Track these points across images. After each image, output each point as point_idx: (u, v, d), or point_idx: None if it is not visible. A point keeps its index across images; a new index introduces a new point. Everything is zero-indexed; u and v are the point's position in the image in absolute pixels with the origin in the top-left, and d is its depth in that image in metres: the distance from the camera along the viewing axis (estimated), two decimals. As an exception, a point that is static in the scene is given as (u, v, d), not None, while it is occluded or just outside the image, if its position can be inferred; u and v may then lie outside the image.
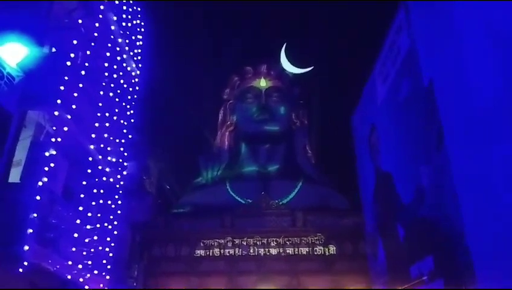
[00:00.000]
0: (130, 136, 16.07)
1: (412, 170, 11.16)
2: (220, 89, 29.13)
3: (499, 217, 7.40)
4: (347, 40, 29.37)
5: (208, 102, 29.78)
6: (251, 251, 20.45)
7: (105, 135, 13.99)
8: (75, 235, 12.16)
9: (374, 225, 15.23)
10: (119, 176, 15.21)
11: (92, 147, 13.08)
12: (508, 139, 7.50)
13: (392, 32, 12.43)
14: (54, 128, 11.37)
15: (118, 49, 15.18)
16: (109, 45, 14.53)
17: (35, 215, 10.31)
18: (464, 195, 8.33)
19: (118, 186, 15.13)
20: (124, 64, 15.92)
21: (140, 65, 17.09)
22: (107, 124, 14.08)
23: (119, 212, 15.04)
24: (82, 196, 12.85)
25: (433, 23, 9.75)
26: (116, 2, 14.91)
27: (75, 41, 12.09)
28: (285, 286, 19.33)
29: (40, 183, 10.54)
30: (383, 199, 14.14)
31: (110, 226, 14.38)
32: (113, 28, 14.63)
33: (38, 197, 10.42)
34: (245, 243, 20.56)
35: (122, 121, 15.44)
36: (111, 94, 14.53)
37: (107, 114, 14.07)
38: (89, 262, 12.85)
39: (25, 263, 9.83)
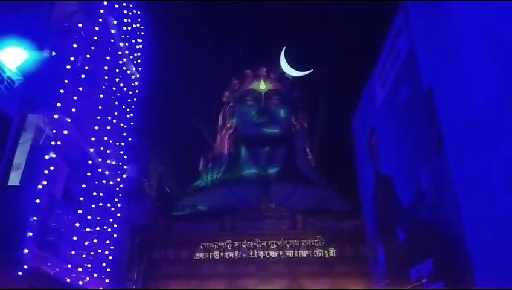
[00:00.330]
0: (129, 139, 16.08)
1: (412, 172, 11.17)
2: (219, 92, 29.19)
3: (499, 220, 7.40)
4: (346, 42, 29.44)
5: (207, 105, 29.84)
6: (251, 253, 20.45)
7: (105, 138, 14.00)
8: (75, 238, 12.15)
9: (374, 227, 15.23)
10: (118, 179, 15.20)
11: (91, 150, 13.08)
12: (508, 142, 7.51)
13: (392, 35, 12.46)
14: (54, 131, 11.38)
15: (118, 52, 15.21)
16: (109, 48, 14.55)
17: (35, 218, 10.30)
18: (463, 197, 8.34)
19: (117, 189, 15.12)
20: (124, 68, 15.94)
21: (140, 68, 17.11)
22: (107, 127, 14.09)
23: (118, 215, 15.02)
24: (82, 199, 12.84)
25: (432, 26, 9.78)
26: (116, 6, 14.94)
27: (75, 45, 12.11)
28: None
29: (39, 187, 10.53)
30: (382, 202, 14.14)
31: (109, 229, 14.37)
32: (113, 31, 14.66)
33: (37, 201, 10.42)
34: (245, 246, 20.55)
35: (122, 124, 15.45)
36: (111, 97, 14.55)
37: (107, 117, 14.09)
38: (89, 265, 12.83)
39: (25, 267, 9.82)
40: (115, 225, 14.70)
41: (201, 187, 26.14)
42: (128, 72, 16.34)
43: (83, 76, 12.35)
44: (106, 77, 14.21)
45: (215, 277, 19.80)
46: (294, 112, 28.24)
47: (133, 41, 16.61)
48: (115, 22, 14.61)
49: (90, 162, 13.21)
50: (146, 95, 17.92)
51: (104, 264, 13.82)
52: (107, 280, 13.91)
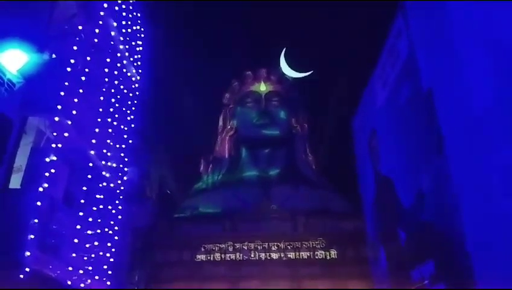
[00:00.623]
0: (130, 142, 16.10)
1: (413, 174, 11.16)
2: (220, 93, 29.22)
3: (499, 221, 7.40)
4: (347, 44, 29.46)
5: (208, 106, 29.86)
6: (252, 255, 20.42)
7: (106, 141, 14.03)
8: (76, 240, 12.16)
9: (375, 228, 15.21)
10: (119, 181, 15.23)
11: (92, 152, 13.10)
12: (508, 142, 7.51)
13: (392, 37, 12.47)
14: (55, 134, 11.40)
15: (118, 54, 15.24)
16: (109, 50, 14.59)
17: (36, 221, 10.32)
18: (464, 198, 8.33)
19: (118, 191, 15.14)
20: (124, 70, 15.98)
21: (140, 70, 17.15)
22: (107, 130, 14.12)
23: (119, 217, 15.04)
24: (82, 201, 12.86)
25: (431, 27, 9.78)
26: (116, 8, 14.98)
27: (75, 48, 12.14)
28: (286, 290, 19.30)
29: (40, 189, 10.55)
30: (383, 203, 14.12)
31: (110, 232, 14.38)
32: (113, 33, 14.69)
33: (38, 203, 10.43)
34: (246, 248, 20.53)
35: (122, 127, 15.47)
36: (111, 100, 14.57)
37: (107, 120, 14.11)
38: (90, 268, 12.85)
39: (26, 269, 9.83)
40: (116, 228, 14.71)
41: (202, 189, 26.12)
42: (129, 74, 16.38)
43: (83, 78, 12.38)
44: (106, 79, 14.24)
45: (217, 279, 19.76)
46: (295, 113, 28.23)
47: (133, 43, 16.65)
48: (115, 24, 14.64)
49: (91, 164, 13.23)
50: (146, 97, 17.95)
51: (105, 267, 13.83)
52: (108, 283, 13.91)
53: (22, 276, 9.74)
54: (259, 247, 20.52)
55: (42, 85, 11.13)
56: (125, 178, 15.76)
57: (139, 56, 17.18)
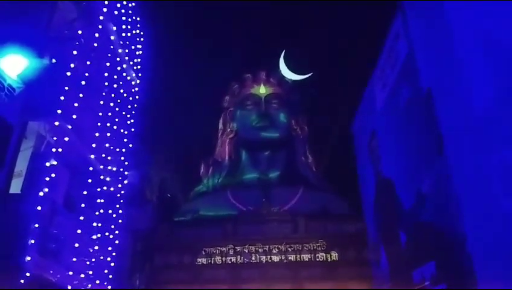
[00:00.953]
0: (130, 145, 16.11)
1: (413, 174, 11.16)
2: (219, 96, 29.24)
3: (500, 221, 7.40)
4: (346, 46, 29.51)
5: (208, 109, 29.89)
6: (253, 258, 20.41)
7: (106, 145, 14.03)
8: (76, 245, 12.14)
9: (375, 230, 15.20)
10: (120, 185, 15.22)
11: (92, 156, 13.11)
12: (508, 143, 7.52)
13: (391, 38, 12.50)
14: (55, 138, 11.41)
15: (117, 58, 15.26)
16: (109, 54, 14.61)
17: (36, 225, 10.32)
18: (464, 199, 8.33)
19: (119, 195, 15.14)
20: (124, 74, 16.00)
21: (140, 74, 17.17)
22: (107, 134, 14.13)
23: (120, 221, 15.03)
24: (83, 205, 12.84)
25: (430, 28, 9.80)
26: (116, 13, 15.02)
27: (75, 52, 12.17)
28: (287, 293, 19.27)
29: (41, 194, 10.55)
30: (384, 205, 14.12)
31: (111, 236, 14.37)
32: (112, 38, 14.72)
33: (39, 208, 10.43)
34: (247, 251, 20.52)
35: (122, 130, 15.48)
36: (111, 104, 14.59)
37: (107, 124, 14.12)
38: (90, 272, 12.82)
39: (27, 274, 9.82)
40: (117, 232, 14.70)
41: (203, 192, 26.13)
42: (128, 78, 16.40)
43: (83, 83, 12.40)
44: (106, 83, 14.26)
45: (218, 282, 19.75)
46: (295, 115, 28.26)
47: (133, 47, 16.68)
48: (114, 28, 14.68)
49: (91, 168, 13.23)
50: (146, 101, 17.97)
51: (106, 271, 13.81)
52: (109, 287, 13.89)
53: (22, 281, 9.73)
54: (260, 250, 20.51)
55: (42, 90, 11.15)
56: (125, 182, 15.76)
57: (139, 60, 17.21)
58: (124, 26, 15.74)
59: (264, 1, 30.19)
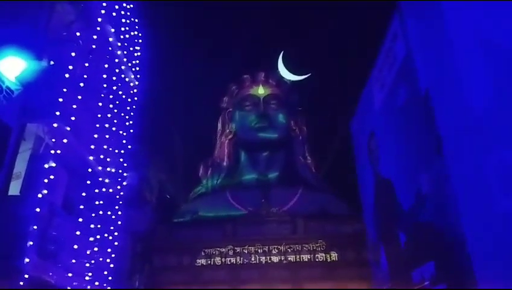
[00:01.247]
0: (129, 147, 16.11)
1: (412, 175, 11.18)
2: (218, 97, 29.23)
3: (499, 222, 7.42)
4: (344, 46, 29.55)
5: (206, 110, 29.88)
6: (252, 259, 20.40)
7: (105, 146, 14.02)
8: (76, 246, 12.14)
9: (375, 230, 15.22)
10: (119, 187, 15.22)
11: (91, 158, 13.10)
12: (506, 143, 7.54)
13: (388, 39, 12.52)
14: (53, 140, 11.40)
15: (116, 60, 15.26)
16: (107, 56, 14.62)
17: (35, 227, 10.31)
18: (463, 199, 8.34)
19: (117, 197, 15.13)
20: (123, 76, 16.00)
21: (138, 76, 17.17)
22: (106, 135, 14.12)
23: (119, 223, 15.02)
24: (82, 207, 12.84)
25: (428, 29, 9.83)
26: (114, 14, 15.02)
27: (73, 54, 12.15)
28: (287, 294, 19.27)
29: (39, 196, 10.54)
30: (383, 205, 14.14)
31: (110, 237, 14.36)
32: (111, 39, 14.72)
33: (38, 210, 10.42)
34: (246, 251, 20.51)
35: (121, 132, 15.48)
36: (110, 105, 14.59)
37: (106, 125, 14.11)
38: (90, 274, 12.82)
39: (26, 276, 9.81)
40: (116, 233, 14.70)
41: (202, 193, 26.11)
42: (127, 79, 16.40)
43: (81, 84, 12.39)
44: (105, 85, 14.26)
45: (217, 283, 19.74)
46: (293, 116, 28.26)
47: (131, 48, 16.68)
48: (112, 30, 14.67)
49: (90, 170, 13.23)
50: (145, 102, 17.97)
51: (105, 273, 13.81)
52: (108, 288, 13.88)
53: (21, 283, 9.72)
54: (259, 250, 20.50)
55: (40, 92, 11.13)
56: (124, 183, 15.75)
57: (137, 61, 17.20)
58: (122, 28, 15.73)
59: (263, 2, 30.22)
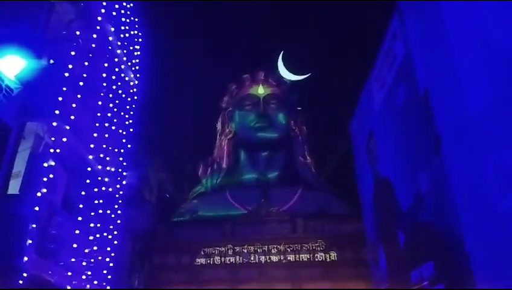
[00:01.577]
0: (129, 146, 16.11)
1: (411, 175, 11.18)
2: (218, 97, 29.24)
3: (498, 221, 7.42)
4: (343, 46, 29.54)
5: (206, 110, 29.88)
6: (252, 258, 20.42)
7: (104, 145, 14.03)
8: (75, 245, 12.15)
9: (374, 230, 15.23)
10: (118, 186, 15.23)
11: (90, 157, 13.11)
12: (505, 144, 7.54)
13: (388, 39, 12.51)
14: (53, 139, 11.41)
15: (116, 59, 15.26)
16: (107, 55, 14.61)
17: (34, 226, 10.32)
18: (462, 199, 8.35)
19: (117, 196, 15.14)
20: (122, 75, 16.00)
21: (138, 75, 17.17)
22: (105, 134, 14.13)
23: (118, 222, 15.03)
24: (81, 206, 12.85)
25: (427, 29, 9.82)
26: (114, 13, 15.02)
27: (73, 53, 12.16)
28: (286, 293, 19.29)
29: (39, 194, 10.55)
30: (382, 205, 14.14)
31: (110, 236, 14.37)
32: (111, 38, 14.72)
33: (37, 208, 10.43)
34: (246, 251, 20.53)
35: (121, 131, 15.49)
36: (109, 104, 14.59)
37: (105, 124, 14.12)
38: (89, 272, 12.83)
39: (25, 275, 9.82)
40: (115, 232, 14.71)
41: (201, 193, 26.13)
42: (127, 78, 16.40)
43: (81, 83, 12.40)
44: (104, 84, 14.26)
45: (216, 283, 19.76)
46: (293, 116, 28.27)
47: (131, 47, 16.68)
48: (112, 29, 14.67)
49: (89, 169, 13.24)
50: (145, 101, 17.98)
51: (104, 272, 13.82)
52: (108, 287, 13.90)
53: (20, 282, 9.73)
54: (258, 250, 20.52)
55: (40, 91, 11.16)
56: (124, 182, 15.76)
57: (137, 60, 17.21)
58: (122, 27, 15.74)
59: (263, 1, 30.22)
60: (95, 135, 13.35)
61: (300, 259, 20.21)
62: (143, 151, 20.53)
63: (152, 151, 23.19)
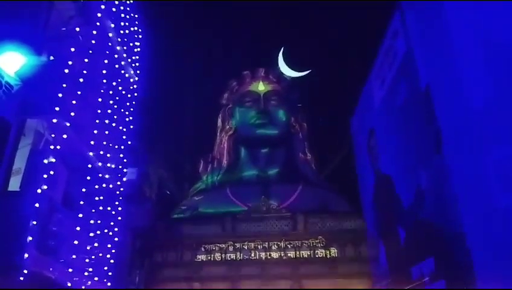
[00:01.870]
0: (129, 143, 16.11)
1: (411, 172, 11.17)
2: (218, 93, 29.20)
3: (499, 218, 7.42)
4: (344, 43, 29.49)
5: (206, 107, 29.86)
6: (252, 255, 20.42)
7: (104, 142, 14.03)
8: (76, 242, 12.17)
9: (375, 227, 15.24)
10: (118, 183, 15.24)
11: (91, 154, 13.11)
12: (506, 141, 7.54)
13: (389, 36, 12.48)
14: (53, 135, 11.41)
15: (115, 56, 15.24)
16: (107, 52, 14.60)
17: (34, 223, 10.33)
18: (463, 196, 8.34)
19: (117, 192, 15.16)
20: (122, 71, 15.98)
21: (138, 71, 17.15)
22: (106, 131, 14.13)
23: (119, 218, 15.05)
24: (82, 203, 12.87)
25: (428, 27, 9.79)
26: (114, 10, 14.98)
27: (72, 49, 12.15)
28: (287, 290, 19.32)
29: (39, 191, 10.56)
30: (383, 202, 14.14)
31: (110, 233, 14.40)
32: (110, 35, 14.70)
33: (37, 205, 10.44)
34: (246, 247, 20.53)
35: (121, 128, 15.48)
36: (110, 101, 14.59)
37: (106, 121, 14.12)
38: (90, 269, 12.86)
39: (25, 271, 9.84)
40: (116, 229, 14.73)
41: (202, 189, 26.12)
42: (127, 75, 16.38)
43: (81, 80, 12.39)
44: (104, 81, 14.25)
45: (217, 279, 19.77)
46: (294, 112, 28.22)
47: (131, 44, 16.66)
48: (112, 25, 14.65)
49: (89, 165, 13.24)
50: (145, 98, 17.96)
51: (105, 268, 13.85)
52: (108, 284, 13.94)
53: (21, 278, 9.74)
54: (259, 246, 20.52)
55: (40, 87, 11.15)
56: (124, 179, 15.78)
57: (137, 57, 17.19)
58: (122, 24, 15.70)
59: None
60: (95, 131, 13.35)
61: (301, 256, 20.22)
62: (143, 148, 20.52)
63: (152, 148, 23.19)
